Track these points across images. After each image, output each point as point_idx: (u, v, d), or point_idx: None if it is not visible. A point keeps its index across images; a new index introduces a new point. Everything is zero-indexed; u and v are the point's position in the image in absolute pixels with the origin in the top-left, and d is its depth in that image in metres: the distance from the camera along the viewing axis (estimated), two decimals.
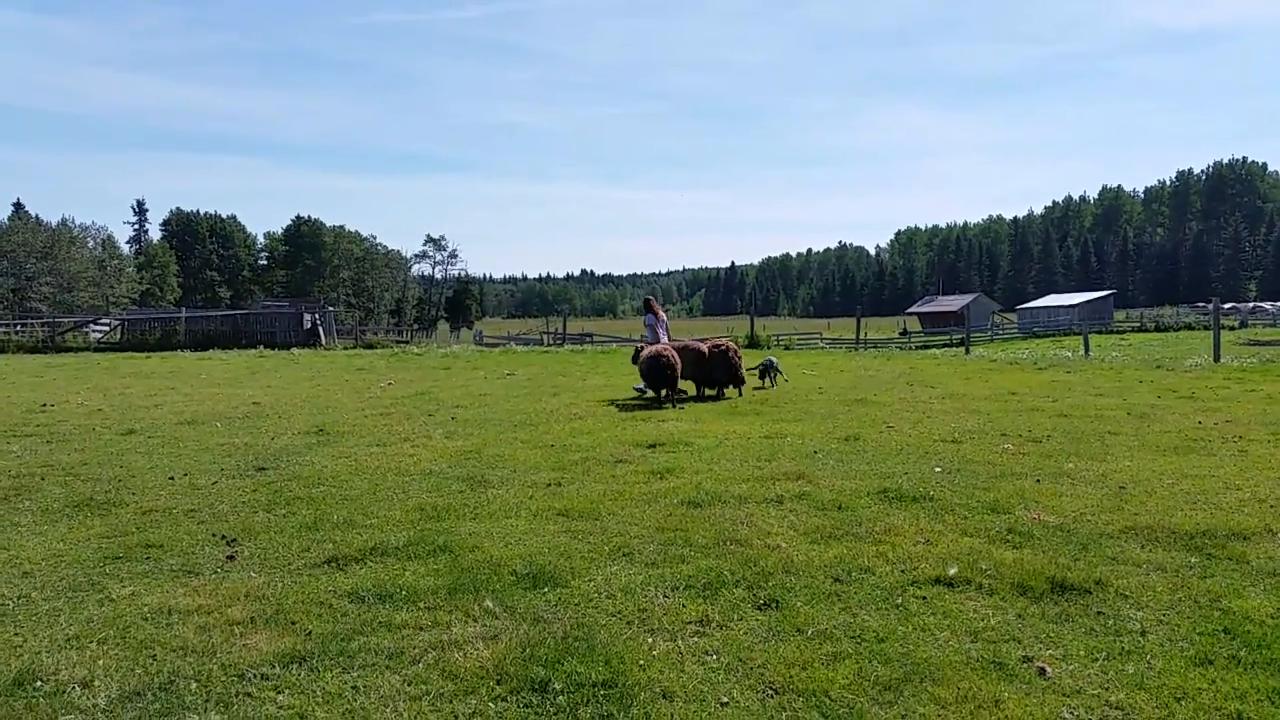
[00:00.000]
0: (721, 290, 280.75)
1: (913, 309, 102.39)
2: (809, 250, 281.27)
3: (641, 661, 3.91)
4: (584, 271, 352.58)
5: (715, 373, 13.79)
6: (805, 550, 5.51)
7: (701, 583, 4.90)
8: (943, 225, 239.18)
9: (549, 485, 7.50)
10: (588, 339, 44.31)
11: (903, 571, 5.07)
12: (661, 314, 16.97)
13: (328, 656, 4.00)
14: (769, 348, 30.43)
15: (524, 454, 9.00)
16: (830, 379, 17.29)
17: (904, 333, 73.94)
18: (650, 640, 4.16)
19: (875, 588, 4.82)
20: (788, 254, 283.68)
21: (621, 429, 10.61)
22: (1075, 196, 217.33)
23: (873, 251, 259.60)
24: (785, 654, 3.99)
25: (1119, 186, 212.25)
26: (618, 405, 12.91)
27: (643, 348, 14.44)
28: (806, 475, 7.67)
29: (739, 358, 13.90)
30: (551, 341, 43.10)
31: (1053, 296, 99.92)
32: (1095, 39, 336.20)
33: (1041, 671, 3.78)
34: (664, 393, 13.29)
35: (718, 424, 10.95)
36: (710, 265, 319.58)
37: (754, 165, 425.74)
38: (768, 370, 15.41)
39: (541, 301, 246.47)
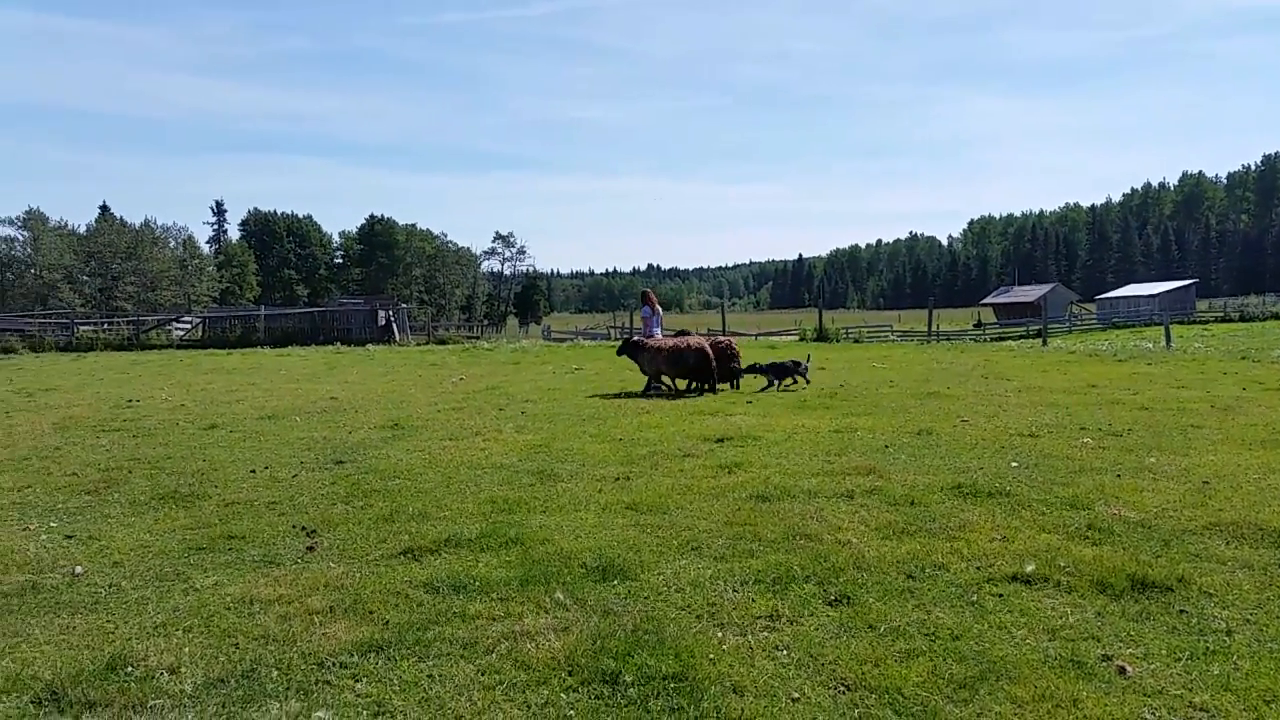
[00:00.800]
0: (789, 283, 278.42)
1: (987, 300, 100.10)
2: (878, 241, 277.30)
3: (711, 655, 3.92)
4: (650, 266, 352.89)
5: (721, 368, 14.00)
6: (877, 546, 5.45)
7: (771, 577, 4.89)
8: (1017, 214, 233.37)
9: (617, 479, 7.55)
10: None
11: (978, 568, 4.99)
12: (658, 308, 17.04)
13: (404, 646, 4.09)
14: (838, 340, 30.10)
15: (592, 448, 9.07)
16: (901, 372, 17.04)
17: (978, 324, 72.32)
18: (720, 634, 4.17)
19: (949, 585, 4.76)
20: (856, 245, 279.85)
21: (688, 423, 10.61)
22: (1154, 183, 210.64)
23: (945, 242, 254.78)
24: (857, 650, 3.96)
25: (1200, 172, 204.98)
26: (684, 400, 12.91)
27: (639, 340, 14.66)
28: (878, 470, 7.59)
29: (739, 355, 14.47)
30: (618, 336, 43.25)
31: (1132, 286, 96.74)
32: (1172, 21, 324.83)
33: (1121, 671, 3.69)
34: (689, 384, 13.80)
35: (786, 418, 10.89)
36: (777, 258, 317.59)
37: (821, 156, 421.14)
38: (786, 371, 14.46)
39: (608, 296, 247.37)
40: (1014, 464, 7.71)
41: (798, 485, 7.09)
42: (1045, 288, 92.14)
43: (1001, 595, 4.56)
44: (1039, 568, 4.88)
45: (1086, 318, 66.16)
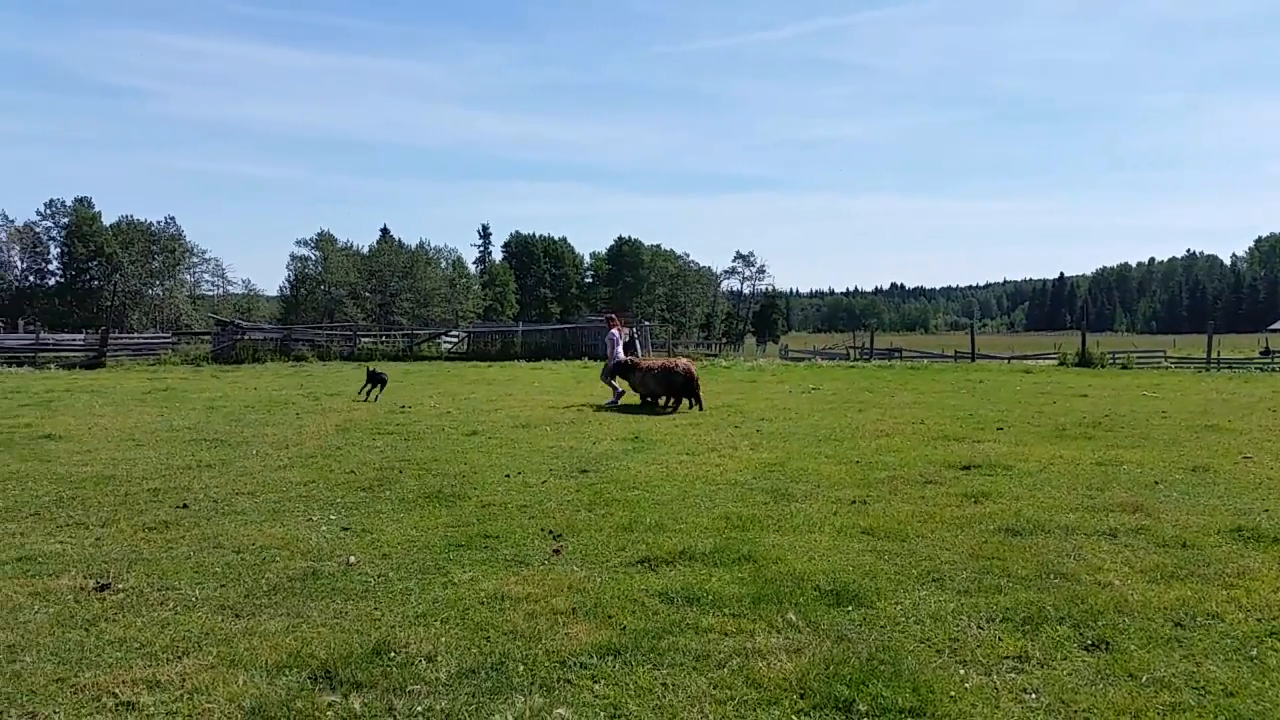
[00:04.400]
0: (1048, 303, 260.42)
1: (1277, 325, 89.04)
2: (1150, 260, 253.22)
3: (952, 693, 3.76)
4: (893, 285, 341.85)
5: (688, 388, 14.66)
6: (1142, 589, 5.01)
7: (1020, 616, 4.62)
8: None
9: (854, 502, 7.39)
10: (896, 354, 42.94)
11: (1258, 620, 4.47)
12: (623, 332, 17.95)
13: (640, 652, 4.22)
14: (1103, 366, 27.82)
15: (828, 469, 8.93)
16: (1176, 402, 15.52)
17: (1265, 352, 64.21)
18: (962, 671, 3.98)
19: (1224, 636, 4.29)
20: (1125, 264, 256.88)
21: (931, 448, 10.21)
22: None
23: (1227, 261, 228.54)
24: (1115, 700, 3.66)
25: None
26: (927, 424, 12.43)
27: (635, 362, 15.58)
28: (1145, 507, 6.97)
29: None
30: (858, 356, 42.26)
31: None
32: None
33: None
34: (665, 401, 14.78)
35: (1041, 447, 10.22)
36: (1035, 276, 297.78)
37: (1086, 169, 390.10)
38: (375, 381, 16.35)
39: (848, 316, 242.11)
40: None
41: (1053, 520, 6.64)
42: None
43: None
44: None
45: None
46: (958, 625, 4.54)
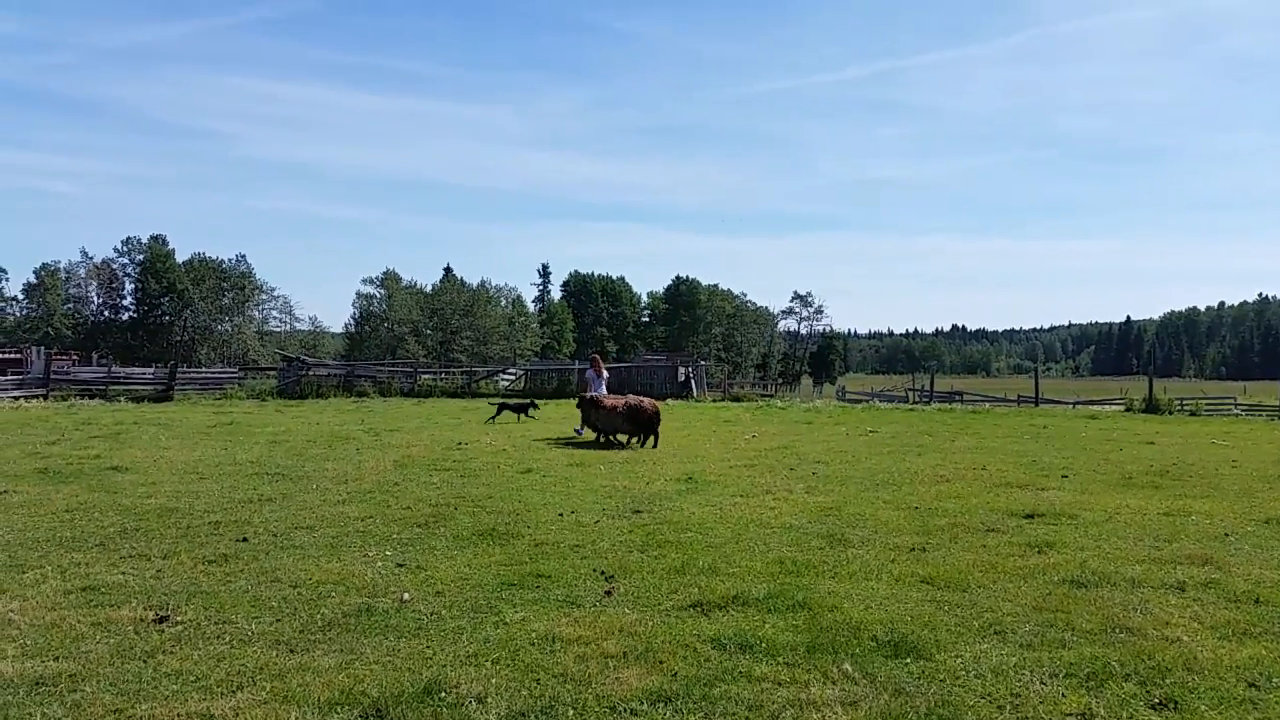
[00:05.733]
0: (1114, 347, 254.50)
1: None
2: (1220, 304, 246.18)
3: None
4: (954, 327, 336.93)
5: (653, 424, 15.47)
6: (1212, 647, 4.81)
7: (1085, 672, 4.46)
8: None
9: (912, 549, 7.23)
10: (956, 397, 42.20)
11: None
12: (603, 372, 19.33)
13: (691, 699, 4.15)
14: (1170, 412, 27.03)
15: (886, 514, 8.77)
16: (1247, 451, 14.97)
17: None
18: None
19: None
20: (1194, 307, 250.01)
21: (993, 495, 9.97)
22: None
23: None
24: None
25: None
26: (988, 470, 12.16)
27: (596, 399, 16.39)
28: (1215, 560, 6.71)
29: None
30: (917, 399, 41.64)
31: None
32: None
33: None
34: (619, 437, 15.62)
35: (1107, 496, 9.92)
36: (1101, 320, 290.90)
37: (1155, 210, 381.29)
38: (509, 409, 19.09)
39: (907, 358, 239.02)
40: None
41: (1119, 572, 6.42)
42: None
43: None
44: None
45: None
46: (1020, 680, 4.39)
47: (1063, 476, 11.58)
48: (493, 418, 19.67)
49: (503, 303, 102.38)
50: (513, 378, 38.72)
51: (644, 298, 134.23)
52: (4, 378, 29.42)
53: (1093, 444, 16.03)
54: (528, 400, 20.23)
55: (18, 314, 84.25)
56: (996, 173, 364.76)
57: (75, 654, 4.72)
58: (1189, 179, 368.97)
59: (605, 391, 18.54)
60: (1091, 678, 4.40)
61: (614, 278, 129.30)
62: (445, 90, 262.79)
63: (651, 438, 15.43)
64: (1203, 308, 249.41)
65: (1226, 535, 7.77)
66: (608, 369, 22.35)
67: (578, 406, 17.28)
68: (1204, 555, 6.91)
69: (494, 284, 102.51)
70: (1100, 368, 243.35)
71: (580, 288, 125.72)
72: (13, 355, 43.43)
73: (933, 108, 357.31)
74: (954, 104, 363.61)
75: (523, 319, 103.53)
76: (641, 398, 16.33)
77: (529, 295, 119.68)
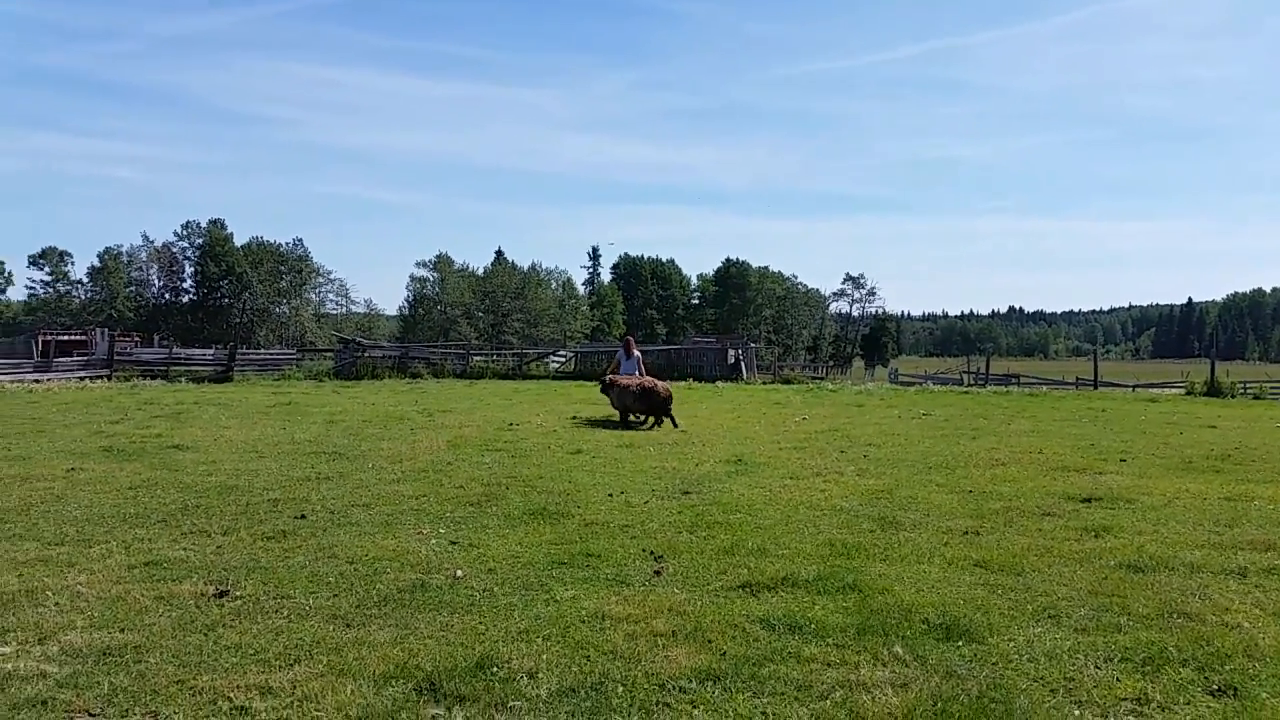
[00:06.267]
0: (1176, 330, 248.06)
1: None
2: None
3: None
4: (1011, 309, 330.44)
5: (664, 407, 15.62)
6: (1274, 633, 4.70)
7: (1141, 656, 4.38)
8: None
9: (965, 533, 7.15)
10: (1013, 380, 41.49)
11: None
12: (634, 353, 19.46)
13: (739, 679, 4.16)
14: (1233, 396, 26.29)
15: (938, 498, 8.67)
16: None
17: None
18: (1078, 712, 3.80)
19: None
20: (1259, 289, 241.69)
21: (1049, 479, 9.80)
22: None
23: None
24: None
25: None
26: (1045, 453, 11.95)
27: (614, 379, 16.72)
28: (1278, 547, 6.54)
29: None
30: (972, 382, 41.03)
31: None
32: None
33: None
34: (642, 418, 15.77)
35: (1166, 480, 9.70)
36: (1162, 302, 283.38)
37: (1220, 190, 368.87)
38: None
39: (962, 340, 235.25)
40: None
41: (1177, 557, 6.29)
42: None
43: None
44: None
45: None
46: (1074, 664, 4.33)
47: (1121, 460, 11.35)
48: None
49: (553, 285, 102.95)
50: (563, 360, 38.93)
51: (694, 280, 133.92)
52: (70, 359, 30.36)
53: (1152, 427, 15.66)
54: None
55: (82, 296, 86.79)
56: (1055, 152, 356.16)
57: (139, 626, 4.87)
58: (1253, 158, 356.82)
59: (637, 372, 18.78)
60: (1148, 663, 4.32)
61: (664, 260, 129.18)
62: (495, 74, 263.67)
63: (667, 420, 15.61)
64: (1268, 289, 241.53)
65: None
66: (658, 350, 22.43)
67: (601, 391, 17.48)
68: (1266, 541, 6.73)
69: (544, 267, 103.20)
70: (1161, 350, 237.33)
71: (630, 270, 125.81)
72: (78, 337, 44.77)
73: (990, 86, 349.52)
74: (1012, 82, 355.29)
75: (573, 301, 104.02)
76: (656, 380, 16.60)
77: (579, 278, 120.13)
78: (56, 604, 5.24)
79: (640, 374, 18.85)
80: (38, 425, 14.46)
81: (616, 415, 16.22)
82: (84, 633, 4.75)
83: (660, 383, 16.23)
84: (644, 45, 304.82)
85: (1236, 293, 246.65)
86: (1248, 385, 32.37)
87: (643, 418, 15.86)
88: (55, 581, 5.65)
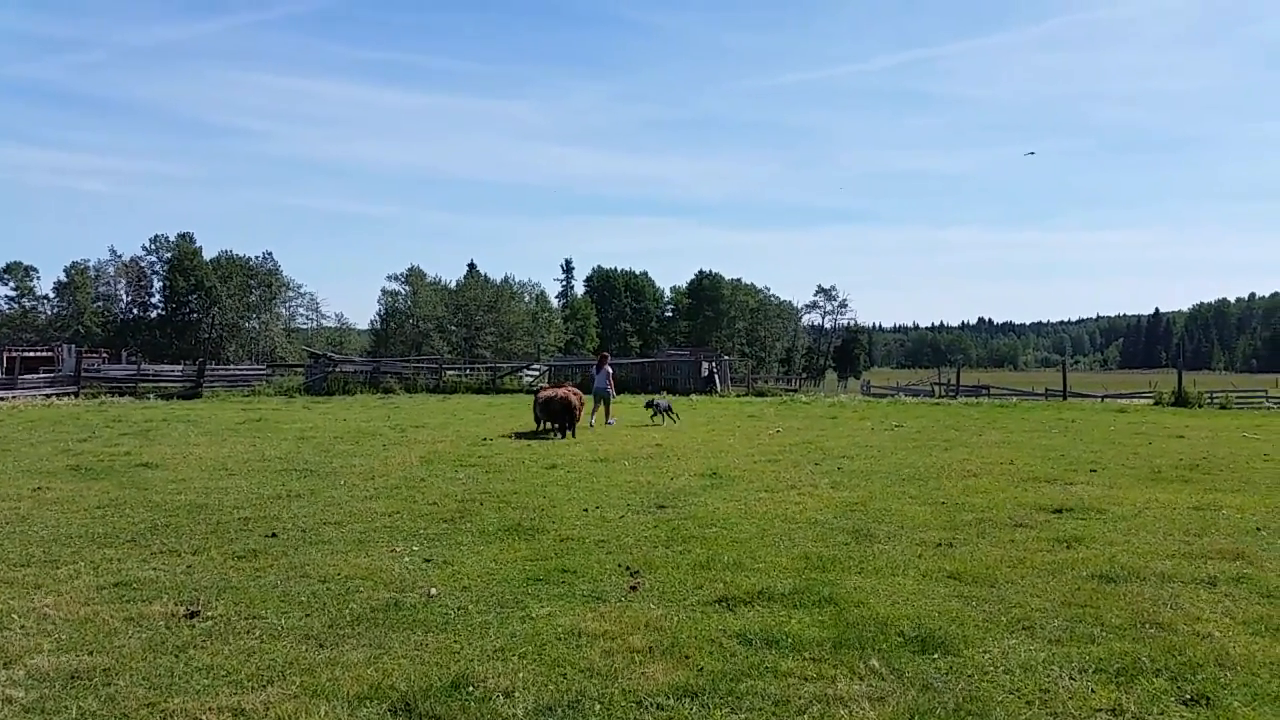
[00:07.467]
0: (1142, 340, 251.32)
1: None
2: (1251, 295, 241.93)
3: None
4: (981, 319, 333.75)
5: (563, 414, 16.21)
6: (1245, 642, 4.75)
7: (1114, 667, 4.42)
8: None
9: (939, 545, 7.20)
10: (983, 391, 41.81)
11: None
12: (606, 368, 19.68)
13: (717, 694, 4.15)
14: (1200, 406, 26.70)
15: (912, 510, 8.73)
16: (1279, 444, 14.77)
17: None
18: None
19: None
20: (1224, 299, 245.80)
21: (1021, 490, 9.89)
22: None
23: None
24: None
25: None
26: (1016, 464, 12.07)
27: (541, 389, 17.93)
28: (1247, 555, 6.63)
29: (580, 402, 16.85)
30: (943, 393, 41.36)
31: None
32: None
33: None
34: (553, 425, 16.37)
35: (1136, 490, 9.82)
36: (1129, 312, 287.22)
37: (1184, 200, 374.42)
38: (657, 409, 18.94)
39: (933, 351, 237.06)
40: None
41: (1148, 567, 6.36)
42: None
43: None
44: None
45: None
46: (1049, 676, 4.36)
47: (1091, 471, 11.48)
48: (652, 415, 19.40)
49: (526, 299, 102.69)
50: (537, 374, 38.83)
51: (667, 292, 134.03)
52: (36, 375, 29.88)
53: (1121, 438, 15.86)
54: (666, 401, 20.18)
55: (49, 312, 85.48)
56: (1025, 163, 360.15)
57: (109, 648, 4.79)
58: (1218, 169, 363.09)
59: (608, 385, 19.40)
60: (1121, 673, 4.36)
61: (637, 273, 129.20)
62: (468, 85, 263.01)
63: (568, 430, 16.04)
64: (1233, 299, 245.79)
65: (1258, 530, 7.67)
66: (632, 363, 22.65)
67: (646, 405, 18.74)
68: (1235, 550, 6.82)
69: (517, 280, 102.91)
70: (1128, 361, 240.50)
71: (604, 283, 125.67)
72: (45, 353, 44.07)
73: (961, 98, 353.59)
74: (983, 94, 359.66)
75: (546, 315, 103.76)
76: (561, 389, 17.00)
77: (552, 291, 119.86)
78: (22, 627, 5.14)
79: (609, 386, 19.44)
80: (2, 444, 14.22)
81: (591, 426, 16.45)
82: (51, 656, 4.66)
83: (563, 391, 16.65)
84: (618, 57, 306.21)
85: (1202, 303, 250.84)
86: (1214, 395, 32.84)
87: (553, 425, 16.38)
88: (21, 604, 5.55)
